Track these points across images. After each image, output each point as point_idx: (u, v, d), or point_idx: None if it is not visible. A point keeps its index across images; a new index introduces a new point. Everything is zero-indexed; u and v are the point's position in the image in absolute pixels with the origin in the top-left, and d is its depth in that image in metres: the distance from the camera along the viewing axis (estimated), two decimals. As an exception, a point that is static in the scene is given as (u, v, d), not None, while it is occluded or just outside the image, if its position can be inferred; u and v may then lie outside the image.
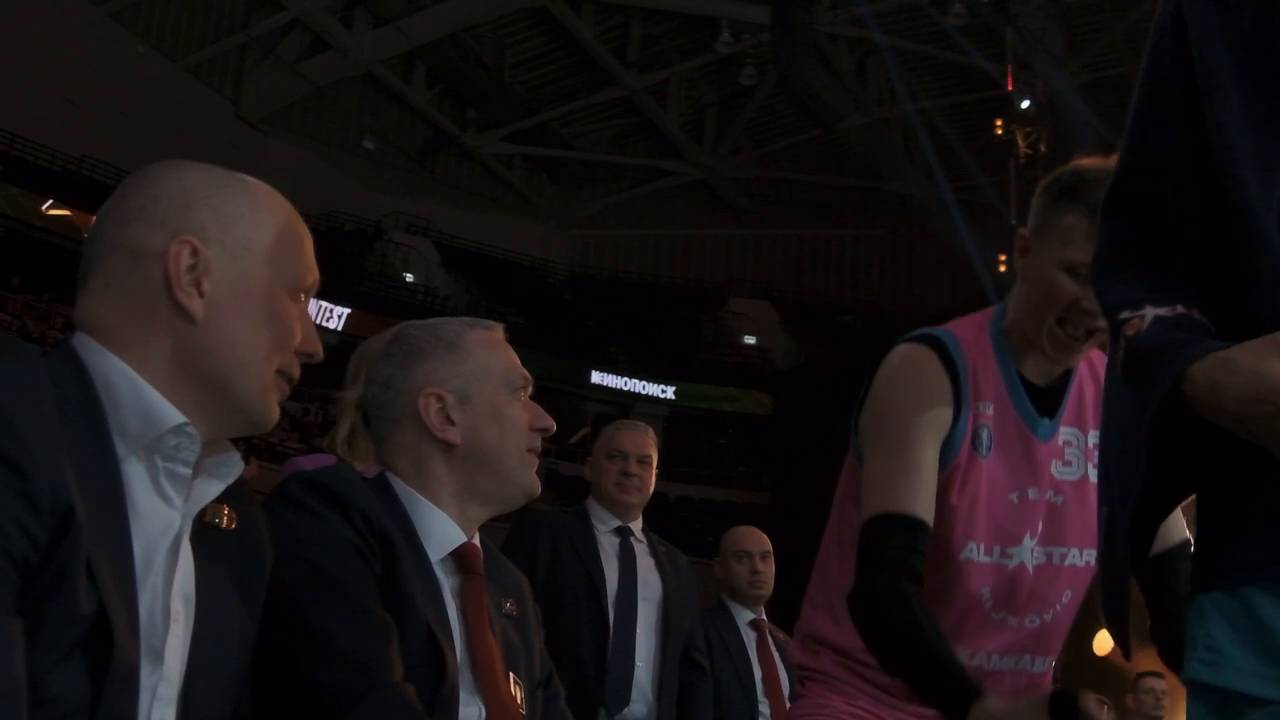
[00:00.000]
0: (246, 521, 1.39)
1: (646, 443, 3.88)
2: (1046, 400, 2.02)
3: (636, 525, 3.84)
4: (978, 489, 1.96)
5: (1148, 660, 7.61)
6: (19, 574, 1.04)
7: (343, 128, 31.74)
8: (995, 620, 1.98)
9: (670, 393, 29.42)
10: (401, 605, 1.63)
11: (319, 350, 1.40)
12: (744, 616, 4.42)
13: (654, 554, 3.82)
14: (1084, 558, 2.02)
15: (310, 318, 1.40)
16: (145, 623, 1.17)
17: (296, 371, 1.38)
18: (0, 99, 23.93)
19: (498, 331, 1.88)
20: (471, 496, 1.79)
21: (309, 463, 2.89)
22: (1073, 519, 2.01)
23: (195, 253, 1.27)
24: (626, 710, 3.51)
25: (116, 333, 1.25)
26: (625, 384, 29.30)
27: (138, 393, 1.22)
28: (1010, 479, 1.98)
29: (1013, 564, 1.98)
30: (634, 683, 3.53)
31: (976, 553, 1.96)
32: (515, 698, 1.73)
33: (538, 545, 3.59)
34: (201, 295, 1.27)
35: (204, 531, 1.30)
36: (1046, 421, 2.01)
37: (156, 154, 1.54)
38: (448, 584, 1.74)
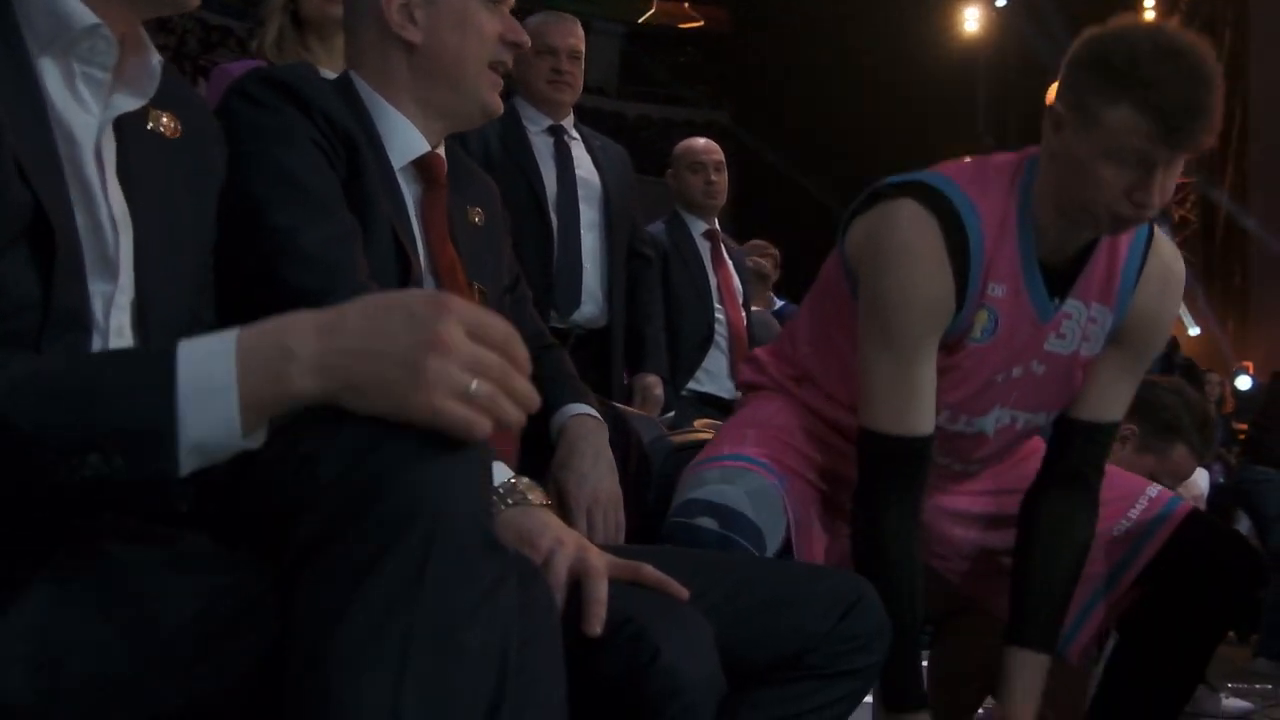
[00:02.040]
0: (193, 127, 1.35)
1: (577, 35, 3.60)
2: (1058, 280, 1.93)
3: (568, 122, 3.63)
4: (963, 369, 1.93)
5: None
6: None
7: None
8: (939, 461, 2.00)
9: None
10: (365, 208, 1.61)
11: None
12: (698, 227, 4.46)
13: (590, 150, 3.65)
14: (1044, 418, 2.04)
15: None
16: (88, 227, 1.16)
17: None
18: None
19: None
20: (428, 106, 1.72)
21: (239, 68, 2.79)
22: (1048, 389, 1.99)
23: None
24: (577, 313, 3.49)
25: None
26: None
27: None
28: (1002, 362, 1.93)
29: (973, 430, 1.99)
30: (583, 284, 3.49)
31: (948, 422, 1.97)
32: (478, 304, 1.76)
33: (467, 149, 3.37)
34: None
35: (146, 138, 1.27)
36: (1055, 303, 1.93)
37: None
38: (410, 192, 1.71)
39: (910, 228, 1.85)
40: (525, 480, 1.46)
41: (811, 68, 18.11)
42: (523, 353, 1.04)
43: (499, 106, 1.75)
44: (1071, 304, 1.94)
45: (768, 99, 20.94)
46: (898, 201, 1.87)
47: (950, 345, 1.91)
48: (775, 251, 5.90)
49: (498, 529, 1.02)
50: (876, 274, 1.89)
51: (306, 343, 0.97)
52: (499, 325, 1.02)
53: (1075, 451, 2.04)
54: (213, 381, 0.95)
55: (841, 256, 1.99)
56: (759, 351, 2.26)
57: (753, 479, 1.92)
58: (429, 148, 1.73)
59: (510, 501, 1.41)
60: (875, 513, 1.93)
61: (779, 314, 5.61)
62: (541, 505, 1.43)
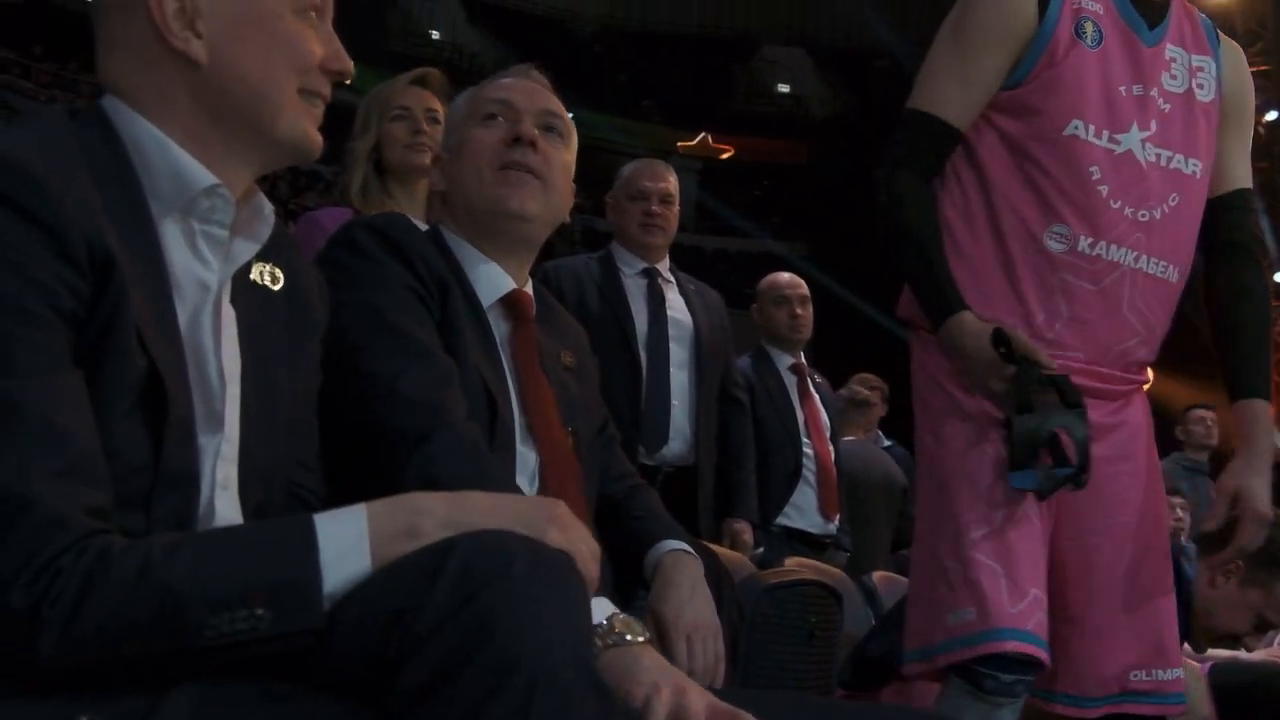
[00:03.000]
0: (294, 278, 1.38)
1: (668, 180, 3.73)
2: (1150, 10, 2.13)
3: (664, 265, 3.75)
4: (1084, 72, 2.06)
5: (1191, 393, 7.71)
6: (69, 328, 1.06)
7: (358, -123, 30.55)
8: (1110, 206, 2.05)
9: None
10: (456, 351, 1.65)
11: (347, 66, 1.31)
12: (784, 361, 4.47)
13: (683, 292, 3.75)
14: (1190, 166, 2.12)
15: (334, 36, 1.32)
16: (199, 384, 1.19)
17: (325, 89, 1.31)
18: None
19: None
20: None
21: (326, 217, 2.88)
22: (1178, 127, 2.11)
23: None
24: (665, 449, 3.52)
25: (135, 91, 1.22)
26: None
27: (166, 154, 1.21)
28: (1122, 72, 2.08)
29: (1120, 149, 2.06)
30: (670, 421, 3.53)
31: (1084, 131, 2.05)
32: (569, 445, 1.75)
33: (563, 294, 3.48)
34: (199, 36, 1.22)
35: (250, 290, 1.30)
36: (1151, 30, 2.12)
37: None
38: (500, 330, 1.76)
39: None
40: (623, 617, 1.42)
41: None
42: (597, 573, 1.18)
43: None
44: (1173, 49, 2.13)
45: (842, 232, 21.08)
46: None
47: (1061, 52, 2.05)
48: (883, 385, 5.82)
49: (598, 671, 1.03)
50: None
51: (436, 505, 1.08)
52: (591, 546, 1.16)
53: (1224, 227, 2.23)
54: (348, 539, 1.04)
55: None
56: None
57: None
58: (515, 285, 1.78)
59: (609, 641, 1.38)
60: (890, 171, 2.14)
61: (888, 451, 5.53)
62: (640, 642, 1.39)
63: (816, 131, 28.71)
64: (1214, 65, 2.17)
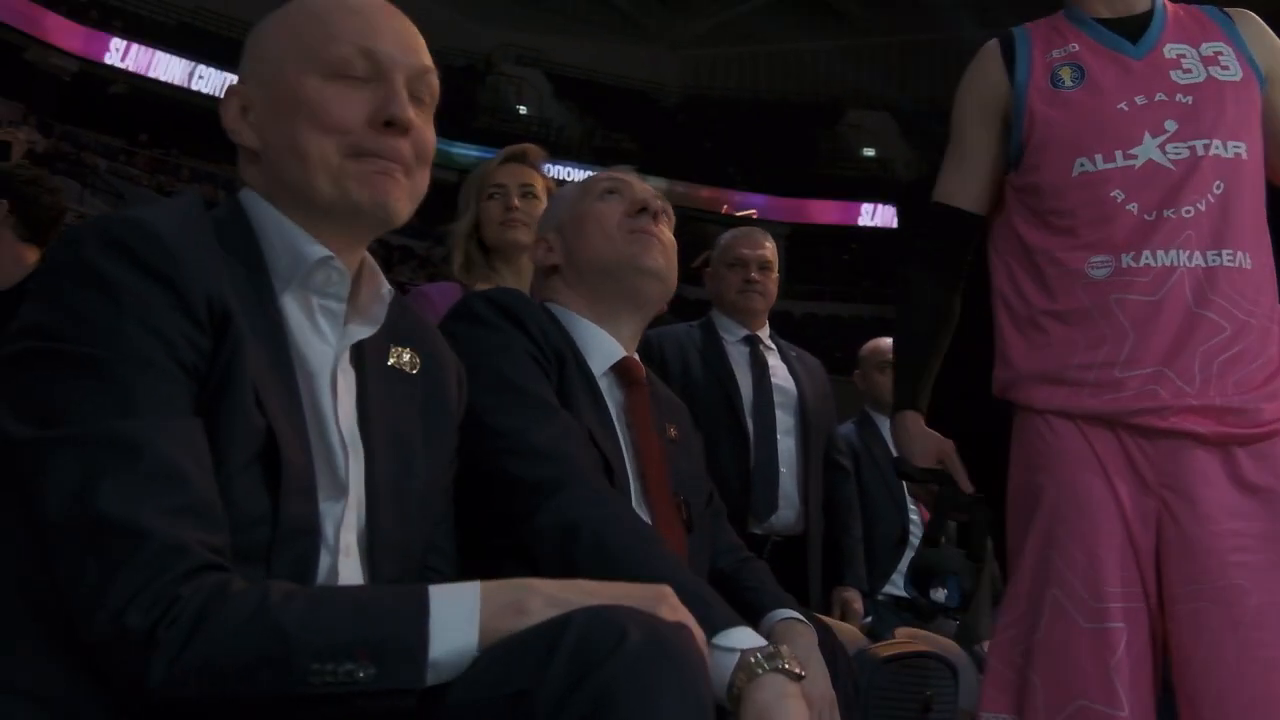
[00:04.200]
0: (432, 363, 1.43)
1: (766, 247, 3.74)
2: (1129, 27, 2.14)
3: (764, 332, 3.71)
4: (1073, 114, 2.09)
5: None
6: (189, 379, 1.11)
7: (446, -40, 31.37)
8: (1145, 218, 2.02)
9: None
10: (573, 416, 1.68)
11: (397, 113, 1.27)
12: (888, 426, 4.40)
13: (785, 359, 3.72)
14: (1231, 149, 2.07)
15: (392, 92, 1.29)
16: (320, 449, 1.23)
17: (380, 145, 1.27)
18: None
19: None
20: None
21: (435, 291, 2.94)
22: (1207, 115, 2.07)
23: (240, 96, 1.31)
24: (775, 517, 3.47)
25: (251, 182, 1.31)
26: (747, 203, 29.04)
27: (284, 232, 1.28)
28: (1114, 94, 2.09)
29: (1139, 163, 2.05)
30: (779, 489, 3.49)
31: (1092, 163, 2.06)
32: (680, 513, 1.76)
33: (666, 362, 3.48)
34: (251, 127, 1.30)
35: (387, 373, 1.35)
36: (1136, 44, 2.12)
37: (265, 1, 1.54)
38: (613, 399, 1.79)
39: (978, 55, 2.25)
40: (770, 646, 1.35)
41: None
42: None
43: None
44: (1174, 47, 2.11)
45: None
46: None
47: (1042, 109, 2.11)
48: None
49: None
50: None
51: (547, 585, 1.08)
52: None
53: None
54: (460, 611, 1.05)
55: None
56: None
57: None
58: (625, 353, 1.82)
59: (767, 666, 1.30)
60: (907, 265, 2.26)
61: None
62: (796, 677, 1.31)
63: (903, 194, 28.65)
64: (1233, 44, 2.14)
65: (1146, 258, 2.00)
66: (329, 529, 1.22)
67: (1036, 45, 2.16)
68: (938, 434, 2.18)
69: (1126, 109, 2.07)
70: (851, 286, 27.69)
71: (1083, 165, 2.06)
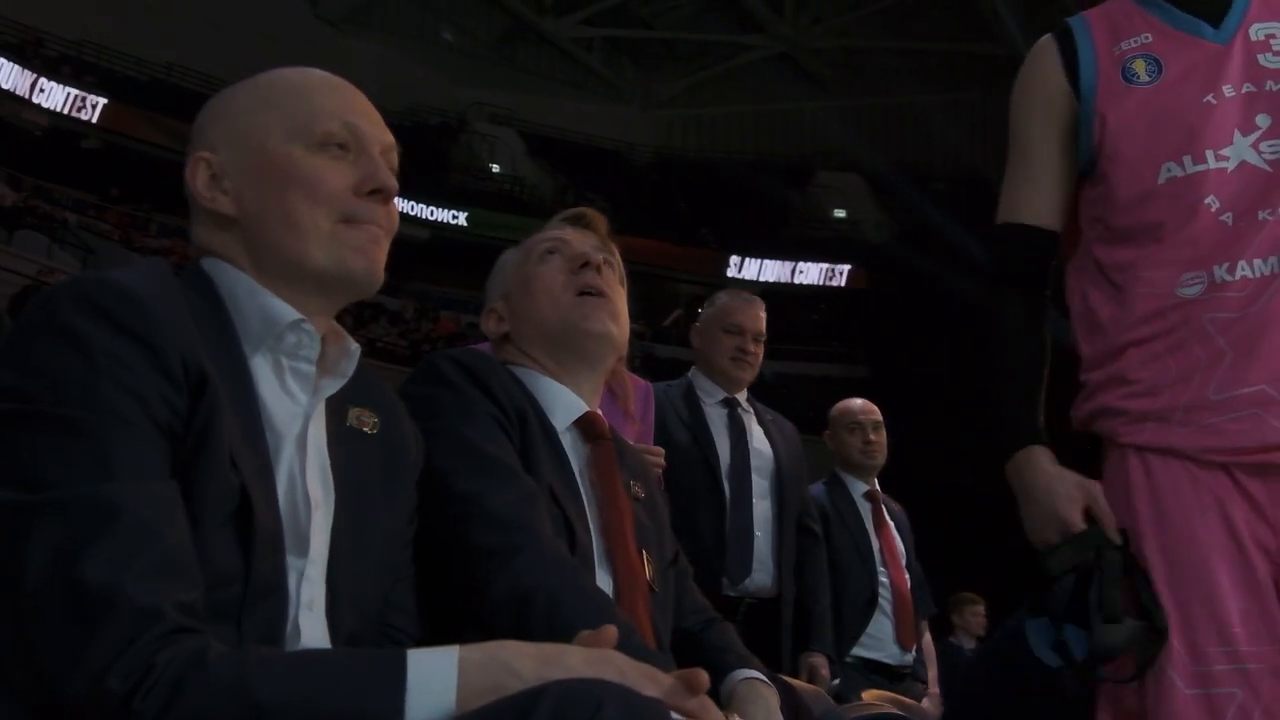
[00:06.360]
0: (389, 423, 1.45)
1: (761, 318, 3.78)
2: (1208, 6, 1.91)
3: (742, 396, 3.77)
4: (1152, 113, 1.87)
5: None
6: (166, 440, 1.12)
7: (420, 20, 31.59)
8: (1243, 225, 1.80)
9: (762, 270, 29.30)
10: (535, 475, 1.69)
11: (382, 183, 1.35)
12: (858, 488, 4.41)
13: (762, 423, 3.76)
14: None
15: (374, 162, 1.36)
16: (288, 508, 1.25)
17: (369, 213, 1.34)
18: (85, 13, 24.18)
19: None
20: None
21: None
22: None
23: (209, 164, 1.35)
24: (749, 580, 3.50)
25: (215, 249, 1.35)
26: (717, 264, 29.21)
27: (254, 296, 1.31)
28: (1197, 87, 1.86)
29: (1231, 165, 1.82)
30: (754, 552, 3.51)
31: (1182, 168, 1.84)
32: (645, 569, 1.76)
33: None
34: (226, 194, 1.33)
35: (347, 435, 1.37)
36: (1218, 28, 1.89)
37: (238, 58, 1.58)
38: (576, 456, 1.80)
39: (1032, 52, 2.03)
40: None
41: (949, 323, 18.19)
42: None
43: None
44: (1261, 27, 1.89)
45: (904, 355, 21.01)
46: None
47: (1114, 108, 1.89)
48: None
49: None
50: None
51: (527, 665, 1.07)
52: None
53: None
54: (436, 682, 1.04)
55: None
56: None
57: None
58: (588, 408, 1.84)
59: None
60: (990, 289, 2.02)
61: None
62: None
63: (872, 255, 28.85)
64: None
65: (1243, 269, 1.79)
66: (292, 584, 1.24)
67: (1099, 37, 1.94)
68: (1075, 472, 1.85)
69: (1214, 100, 1.85)
70: (822, 346, 27.77)
71: (1169, 170, 1.83)
